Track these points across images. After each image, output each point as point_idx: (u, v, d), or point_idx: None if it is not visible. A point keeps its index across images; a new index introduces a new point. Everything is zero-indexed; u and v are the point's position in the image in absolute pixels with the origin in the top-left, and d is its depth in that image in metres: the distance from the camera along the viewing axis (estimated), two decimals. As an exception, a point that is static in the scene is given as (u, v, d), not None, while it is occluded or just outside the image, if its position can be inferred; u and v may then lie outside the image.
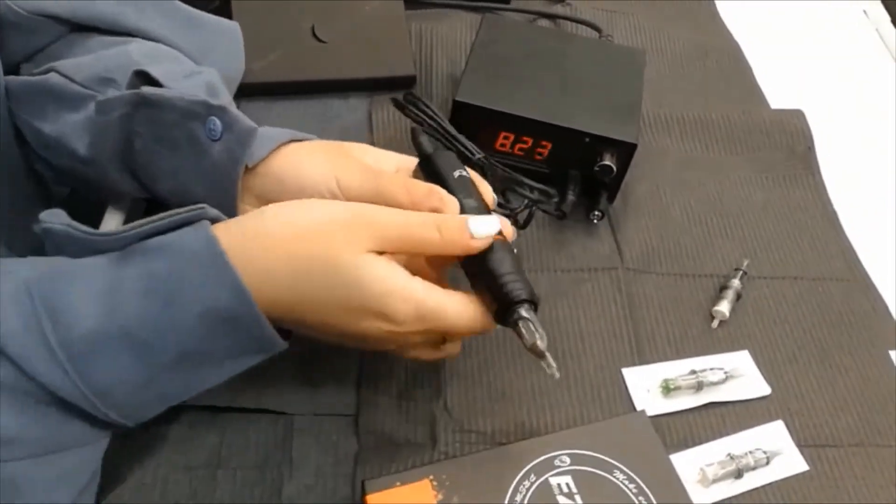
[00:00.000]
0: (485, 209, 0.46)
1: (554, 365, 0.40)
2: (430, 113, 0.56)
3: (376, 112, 0.64)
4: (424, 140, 0.52)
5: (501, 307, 0.41)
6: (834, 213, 0.63)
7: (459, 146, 0.55)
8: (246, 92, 0.64)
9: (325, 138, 0.62)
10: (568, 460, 0.42)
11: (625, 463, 0.42)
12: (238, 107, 0.62)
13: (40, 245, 0.54)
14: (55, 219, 0.38)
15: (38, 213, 0.53)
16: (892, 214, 0.64)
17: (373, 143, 0.62)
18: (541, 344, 0.40)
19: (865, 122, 0.72)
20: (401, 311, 0.39)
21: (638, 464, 0.42)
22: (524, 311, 0.40)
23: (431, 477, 0.40)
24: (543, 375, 0.50)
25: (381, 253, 0.40)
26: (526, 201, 0.51)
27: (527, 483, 0.41)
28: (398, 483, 0.40)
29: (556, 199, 0.52)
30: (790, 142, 0.68)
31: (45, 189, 0.55)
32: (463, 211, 0.44)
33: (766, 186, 0.65)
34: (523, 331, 0.40)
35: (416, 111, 0.57)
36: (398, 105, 0.58)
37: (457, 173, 0.47)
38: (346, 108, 0.65)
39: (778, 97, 0.72)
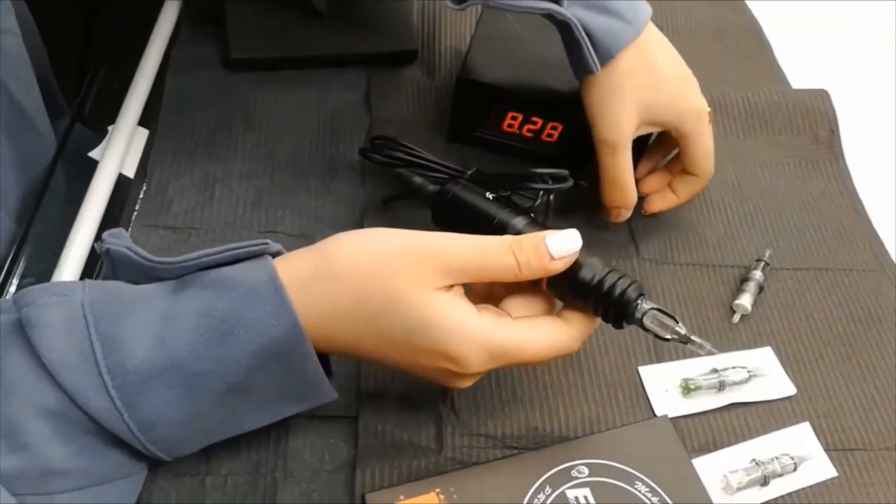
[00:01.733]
0: (540, 225, 0.43)
1: (707, 344, 0.38)
2: (404, 150, 0.52)
3: (375, 88, 0.61)
4: (419, 180, 0.49)
5: (619, 312, 0.38)
6: (859, 201, 0.60)
7: (448, 170, 0.51)
8: (238, 67, 0.60)
9: (321, 115, 0.59)
10: (586, 471, 0.39)
11: (647, 473, 0.39)
12: (229, 82, 0.59)
13: (34, 206, 0.52)
14: (116, 240, 0.37)
15: (30, 176, 0.50)
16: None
17: (371, 121, 0.59)
18: (682, 329, 0.37)
19: (890, 103, 0.68)
20: (468, 355, 0.37)
21: (661, 474, 0.39)
22: (647, 304, 0.38)
23: (438, 490, 0.37)
24: (556, 375, 0.47)
25: (450, 286, 0.37)
26: (541, 192, 0.47)
27: (542, 496, 0.38)
28: (402, 497, 0.37)
29: (572, 181, 0.49)
30: (813, 125, 0.64)
31: (40, 158, 0.54)
32: (521, 234, 0.41)
33: (787, 172, 0.62)
34: (655, 326, 0.38)
35: (384, 157, 0.52)
36: (365, 156, 0.54)
37: (488, 194, 0.44)
38: (343, 83, 0.61)
39: (799, 77, 0.68)
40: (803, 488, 0.45)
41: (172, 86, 0.59)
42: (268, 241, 0.38)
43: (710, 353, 0.38)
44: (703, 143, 0.52)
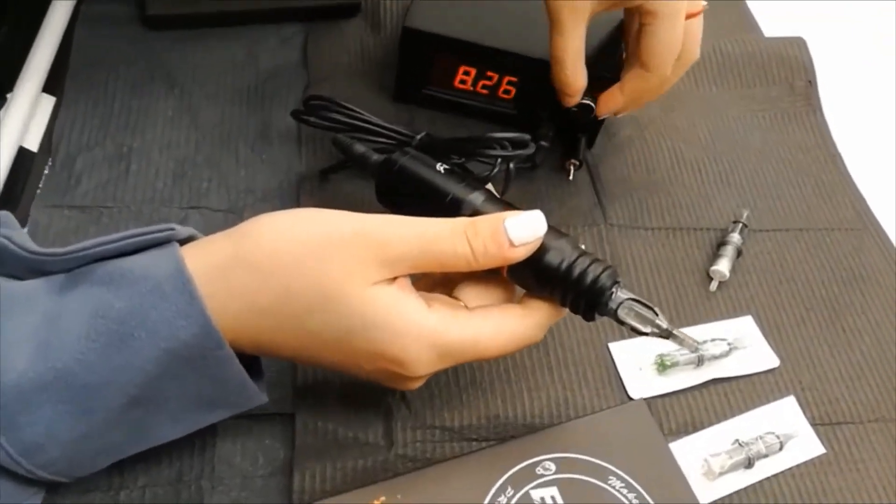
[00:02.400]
0: (499, 201, 0.37)
1: (691, 338, 0.33)
2: (344, 112, 0.46)
3: (313, 46, 0.55)
4: (361, 148, 0.44)
5: (591, 302, 0.33)
6: (839, 155, 0.56)
7: (394, 135, 0.45)
8: (156, 24, 0.54)
9: (253, 77, 0.53)
10: (553, 467, 0.34)
11: (621, 466, 0.35)
12: (147, 41, 0.53)
13: None
14: None
15: None
16: (900, 155, 0.58)
17: (308, 82, 0.53)
18: (663, 321, 0.33)
19: (869, 52, 0.64)
20: (416, 358, 0.32)
21: (637, 466, 0.35)
22: (623, 294, 0.33)
23: (383, 498, 0.32)
24: (519, 356, 0.42)
25: (393, 279, 0.32)
26: (499, 159, 0.42)
27: (503, 499, 0.33)
28: (341, 507, 0.32)
29: (533, 146, 0.44)
30: (789, 75, 0.60)
31: None
32: (478, 213, 0.36)
33: (763, 126, 0.57)
34: (631, 319, 0.33)
35: (321, 119, 0.46)
36: (299, 118, 0.48)
37: (440, 167, 0.39)
38: (278, 41, 0.55)
39: (772, 25, 0.64)
40: (790, 468, 0.41)
41: (81, 46, 0.52)
42: (174, 225, 0.32)
43: (694, 350, 0.34)
44: (669, 28, 0.44)
